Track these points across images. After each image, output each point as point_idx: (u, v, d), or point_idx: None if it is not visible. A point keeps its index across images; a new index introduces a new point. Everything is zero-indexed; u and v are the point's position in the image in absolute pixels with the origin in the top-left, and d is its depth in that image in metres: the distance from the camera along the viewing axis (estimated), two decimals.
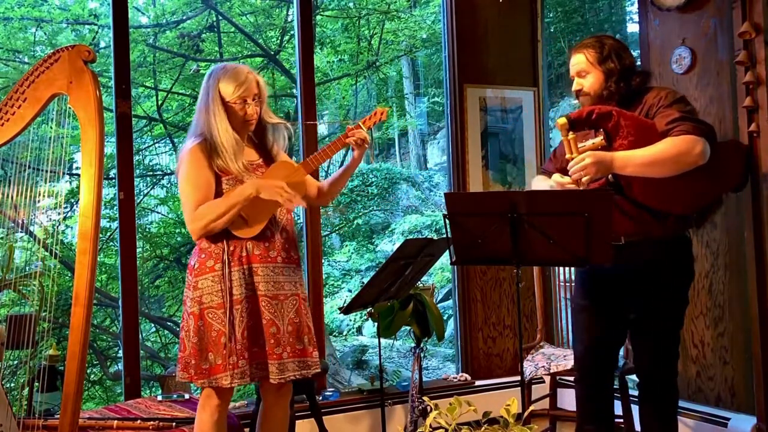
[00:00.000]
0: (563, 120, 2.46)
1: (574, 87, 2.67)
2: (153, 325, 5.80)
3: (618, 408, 3.19)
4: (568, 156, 2.48)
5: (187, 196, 2.44)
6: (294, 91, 5.93)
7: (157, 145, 5.84)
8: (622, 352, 3.25)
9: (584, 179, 2.44)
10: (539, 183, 2.81)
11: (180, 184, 2.48)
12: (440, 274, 6.74)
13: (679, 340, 2.68)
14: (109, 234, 5.13)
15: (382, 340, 3.33)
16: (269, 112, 2.61)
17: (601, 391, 2.79)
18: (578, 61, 2.64)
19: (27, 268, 2.50)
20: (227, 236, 2.45)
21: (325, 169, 6.22)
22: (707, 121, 3.44)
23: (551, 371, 3.31)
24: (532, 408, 2.89)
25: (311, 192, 2.72)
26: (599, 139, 2.50)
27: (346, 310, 2.97)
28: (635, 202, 2.52)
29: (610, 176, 2.52)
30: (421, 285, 3.62)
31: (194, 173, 2.43)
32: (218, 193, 2.46)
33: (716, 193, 2.78)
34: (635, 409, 2.82)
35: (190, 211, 2.43)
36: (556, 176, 2.61)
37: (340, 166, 3.11)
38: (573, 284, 3.03)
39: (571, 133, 2.46)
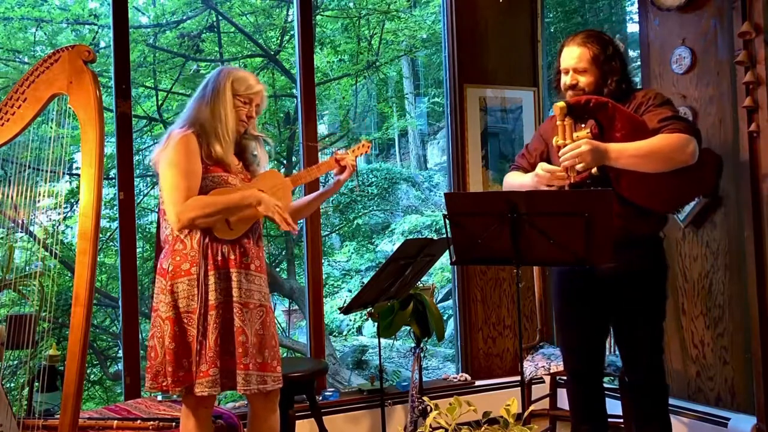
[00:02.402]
0: (562, 104, 2.45)
1: (569, 81, 2.62)
2: None
3: (618, 408, 3.19)
4: (561, 142, 2.47)
5: (176, 183, 2.36)
6: (294, 91, 5.93)
7: (157, 145, 5.82)
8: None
9: (578, 167, 2.43)
10: (516, 179, 2.78)
11: (166, 169, 2.39)
12: (440, 274, 6.74)
13: (663, 334, 2.71)
14: (109, 234, 5.13)
15: (382, 340, 3.33)
16: (255, 124, 2.61)
17: (593, 390, 2.80)
18: (579, 56, 2.60)
19: (27, 268, 2.50)
20: (204, 237, 2.39)
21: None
22: (708, 120, 3.46)
23: (551, 371, 3.31)
24: (532, 408, 2.90)
25: None
26: (586, 131, 2.50)
27: (346, 310, 2.97)
28: (621, 197, 2.52)
29: (594, 169, 2.51)
30: (421, 285, 3.63)
31: (183, 161, 2.37)
32: (203, 188, 2.40)
33: (695, 195, 2.82)
34: None
35: (179, 199, 2.34)
36: (544, 165, 2.59)
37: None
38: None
39: (567, 118, 2.46)
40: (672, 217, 3.62)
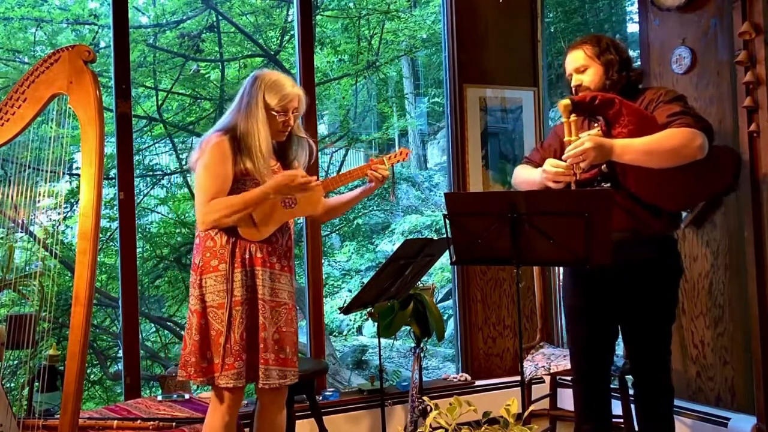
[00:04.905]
0: (567, 101, 2.46)
1: (573, 83, 2.66)
2: (153, 325, 5.79)
3: (618, 408, 3.19)
4: (566, 139, 2.47)
5: (204, 186, 2.45)
6: None
7: (157, 145, 5.82)
8: (622, 352, 3.25)
9: (582, 164, 2.43)
10: (524, 172, 2.80)
11: (198, 172, 2.48)
12: (440, 274, 6.73)
13: (671, 337, 2.71)
14: (109, 234, 5.13)
15: (382, 340, 3.33)
16: (299, 126, 2.65)
17: (599, 390, 2.80)
18: (576, 57, 2.64)
19: (27, 268, 2.50)
20: (232, 236, 2.47)
21: (325, 169, 6.22)
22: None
23: (551, 371, 3.30)
24: (532, 408, 2.89)
25: (317, 209, 2.76)
26: (596, 130, 2.51)
27: (346, 310, 2.97)
28: (630, 194, 2.52)
29: (604, 166, 2.51)
30: (421, 285, 3.62)
31: (216, 165, 2.44)
32: (236, 191, 2.48)
33: (706, 194, 2.80)
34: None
35: (204, 201, 2.44)
36: (551, 160, 2.59)
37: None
38: (561, 284, 3.03)
39: (573, 115, 2.46)
40: None
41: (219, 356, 2.42)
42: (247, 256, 2.47)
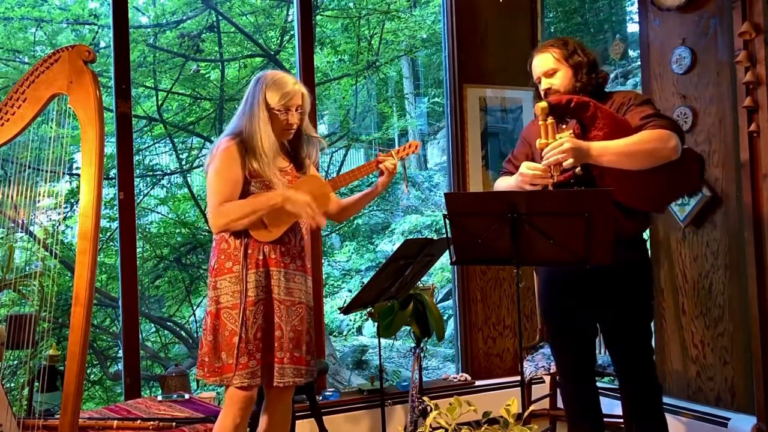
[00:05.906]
0: (544, 104, 2.46)
1: (543, 86, 2.65)
2: (153, 325, 5.79)
3: (618, 408, 3.19)
4: (543, 141, 2.47)
5: (215, 190, 2.50)
6: None
7: (157, 145, 5.82)
8: None
9: (565, 163, 2.42)
10: (503, 183, 2.80)
11: (209, 177, 2.53)
12: (440, 274, 6.73)
13: (652, 333, 2.71)
14: (109, 234, 5.13)
15: (382, 340, 3.33)
16: (309, 125, 2.67)
17: (585, 390, 2.80)
18: (545, 60, 2.64)
19: (27, 268, 2.50)
20: (246, 238, 2.50)
21: (325, 169, 6.22)
22: (708, 120, 3.47)
23: (551, 371, 3.31)
24: (532, 408, 2.89)
25: (331, 208, 2.77)
26: (568, 133, 2.51)
27: (346, 310, 2.97)
28: None
29: (578, 169, 2.51)
30: (421, 285, 3.62)
31: (226, 169, 2.49)
32: (246, 193, 2.51)
33: (680, 193, 2.85)
34: None
35: (215, 205, 2.48)
36: (527, 163, 2.59)
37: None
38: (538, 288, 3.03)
39: (550, 117, 2.46)
40: (672, 217, 3.62)
41: (233, 356, 2.44)
42: (261, 257, 2.50)
